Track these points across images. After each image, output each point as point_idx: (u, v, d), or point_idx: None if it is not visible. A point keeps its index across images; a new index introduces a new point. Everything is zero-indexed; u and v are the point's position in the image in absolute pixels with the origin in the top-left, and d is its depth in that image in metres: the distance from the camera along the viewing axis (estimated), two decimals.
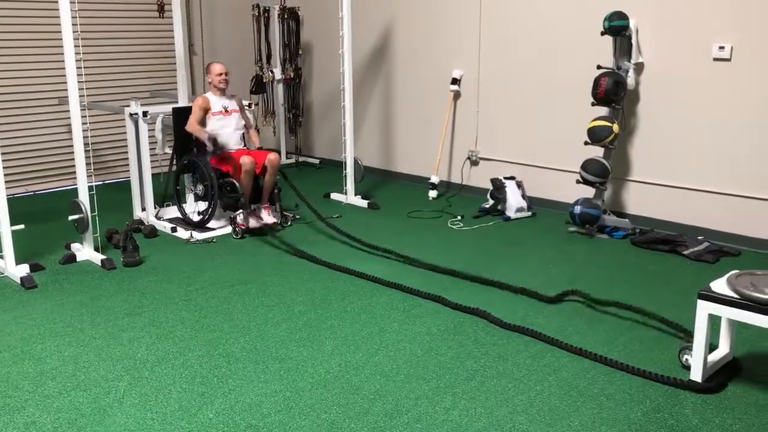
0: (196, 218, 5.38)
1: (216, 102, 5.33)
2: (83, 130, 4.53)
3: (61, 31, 4.35)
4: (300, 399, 2.91)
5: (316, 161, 7.79)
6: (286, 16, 7.36)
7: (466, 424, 2.72)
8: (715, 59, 4.79)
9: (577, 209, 5.08)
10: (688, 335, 3.32)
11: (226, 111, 5.36)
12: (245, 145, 5.52)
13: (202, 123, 5.26)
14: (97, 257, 4.59)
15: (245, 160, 5.11)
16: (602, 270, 4.44)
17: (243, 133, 5.50)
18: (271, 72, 7.44)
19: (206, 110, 5.29)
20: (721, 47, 4.73)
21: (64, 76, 4.45)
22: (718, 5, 4.73)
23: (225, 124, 5.35)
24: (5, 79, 6.31)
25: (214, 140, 5.21)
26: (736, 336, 3.23)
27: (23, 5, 6.38)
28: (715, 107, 4.84)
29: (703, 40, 4.82)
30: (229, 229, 5.25)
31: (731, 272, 2.99)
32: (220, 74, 5.32)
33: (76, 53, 4.39)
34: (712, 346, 3.08)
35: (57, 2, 4.31)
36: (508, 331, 3.52)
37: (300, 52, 7.51)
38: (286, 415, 2.79)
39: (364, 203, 6.08)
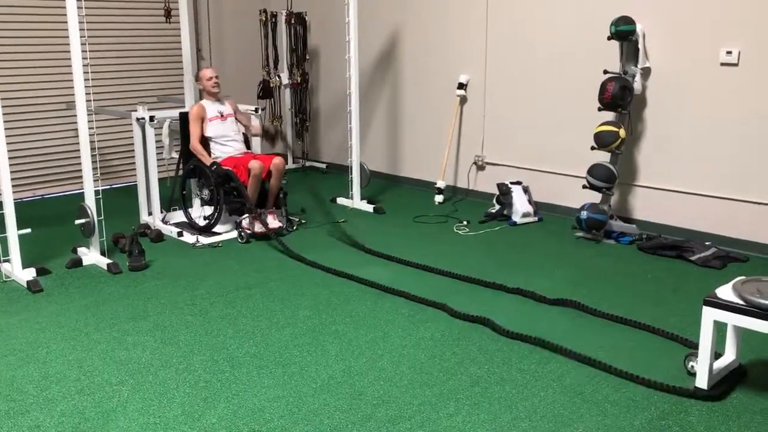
0: (202, 223, 5.39)
1: (211, 108, 5.35)
2: (90, 135, 4.56)
3: (68, 37, 4.38)
4: (303, 404, 2.91)
5: (323, 166, 7.80)
6: (293, 21, 7.37)
7: (469, 430, 2.71)
8: (723, 64, 4.76)
9: (584, 214, 5.06)
10: (688, 345, 3.31)
11: (222, 115, 5.38)
12: (249, 148, 5.53)
13: (201, 129, 5.28)
14: (104, 261, 4.61)
15: (254, 165, 5.12)
16: (608, 276, 4.41)
17: (244, 134, 5.52)
18: (278, 77, 7.46)
19: (203, 118, 5.31)
20: (729, 52, 4.71)
21: (72, 81, 4.47)
22: (726, 10, 4.71)
23: (224, 129, 5.36)
24: (14, 84, 6.35)
25: (214, 165, 5.20)
26: (742, 343, 3.20)
27: (31, 12, 6.42)
28: (723, 112, 4.81)
29: (711, 45, 4.80)
30: (234, 234, 5.26)
31: (737, 278, 2.97)
32: (211, 78, 5.35)
33: (83, 58, 4.42)
34: (717, 353, 3.06)
35: (65, 7, 4.34)
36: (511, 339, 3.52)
37: (307, 57, 7.52)
38: (288, 420, 2.79)
39: (369, 208, 6.08)
